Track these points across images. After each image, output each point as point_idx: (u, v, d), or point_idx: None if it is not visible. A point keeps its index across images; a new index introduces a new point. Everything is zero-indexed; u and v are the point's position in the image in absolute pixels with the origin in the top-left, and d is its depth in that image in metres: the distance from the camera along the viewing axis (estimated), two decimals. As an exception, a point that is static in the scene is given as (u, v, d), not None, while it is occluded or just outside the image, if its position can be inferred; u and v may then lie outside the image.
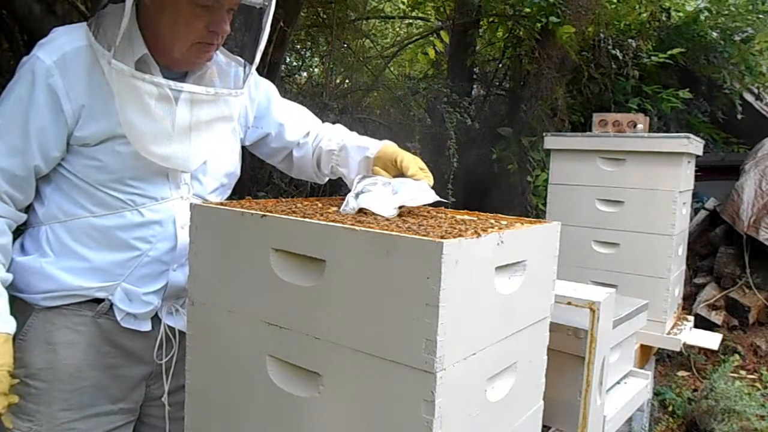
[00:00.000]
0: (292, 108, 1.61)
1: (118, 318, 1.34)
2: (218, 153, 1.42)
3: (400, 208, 1.17)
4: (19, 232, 1.37)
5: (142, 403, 1.45)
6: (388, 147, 1.46)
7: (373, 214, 1.14)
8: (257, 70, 1.44)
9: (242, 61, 1.42)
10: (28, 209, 1.36)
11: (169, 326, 1.41)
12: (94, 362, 1.34)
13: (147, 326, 1.39)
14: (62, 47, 1.25)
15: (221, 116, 1.37)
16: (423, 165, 1.41)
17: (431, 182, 1.38)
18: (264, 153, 1.62)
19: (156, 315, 1.40)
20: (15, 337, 1.27)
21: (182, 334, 1.40)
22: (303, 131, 1.58)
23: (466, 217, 1.21)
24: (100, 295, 1.33)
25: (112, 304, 1.34)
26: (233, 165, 1.49)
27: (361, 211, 1.16)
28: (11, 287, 1.31)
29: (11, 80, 1.28)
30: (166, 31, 1.26)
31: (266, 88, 1.57)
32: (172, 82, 1.26)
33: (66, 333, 1.32)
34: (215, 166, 1.43)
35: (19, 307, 1.32)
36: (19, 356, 1.27)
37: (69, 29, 1.30)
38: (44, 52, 1.24)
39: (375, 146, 1.47)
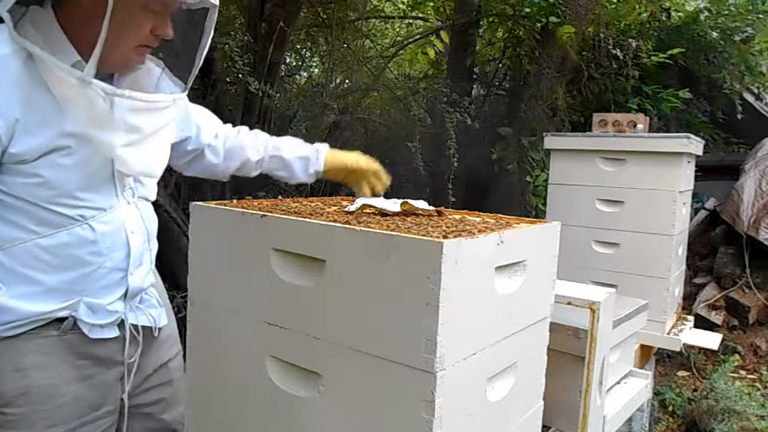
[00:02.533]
0: (201, 110, 1.60)
1: (86, 331, 1.31)
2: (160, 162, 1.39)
3: (402, 204, 1.17)
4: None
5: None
6: (334, 158, 1.62)
7: (377, 208, 1.15)
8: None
9: (179, 63, 1.37)
10: None
11: (132, 325, 1.40)
12: (69, 377, 1.30)
13: (114, 332, 1.37)
14: None
15: (170, 120, 1.34)
16: (376, 167, 1.59)
17: (386, 185, 1.58)
18: (175, 155, 1.53)
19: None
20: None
21: (145, 328, 1.43)
22: (213, 132, 1.59)
23: (466, 217, 1.21)
24: (63, 314, 1.28)
25: (76, 320, 1.29)
26: (165, 166, 1.44)
27: (365, 207, 1.17)
28: None
29: None
30: (110, 35, 1.14)
31: None
32: (142, 95, 1.21)
33: (35, 357, 1.26)
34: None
35: None
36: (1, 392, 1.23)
37: None
38: None
39: (317, 158, 1.63)
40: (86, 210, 1.26)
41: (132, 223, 1.35)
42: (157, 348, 1.49)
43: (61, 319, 1.28)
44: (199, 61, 1.33)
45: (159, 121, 1.28)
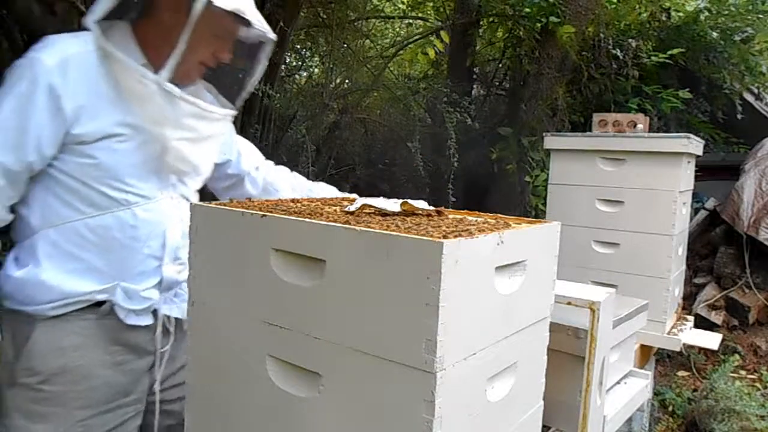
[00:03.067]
0: (245, 141, 1.79)
1: (121, 316, 1.42)
2: (208, 165, 1.60)
3: (402, 204, 1.17)
4: (6, 246, 1.43)
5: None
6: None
7: (377, 208, 1.15)
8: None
9: (232, 86, 1.58)
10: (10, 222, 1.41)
11: (165, 315, 1.51)
12: (103, 362, 1.41)
13: (149, 320, 1.48)
14: (65, 50, 1.33)
15: (220, 132, 1.55)
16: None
17: None
18: (215, 176, 1.72)
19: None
20: (20, 348, 1.35)
21: (178, 320, 1.53)
22: (255, 163, 1.77)
23: (466, 217, 1.21)
24: (101, 297, 1.40)
25: (113, 305, 1.41)
26: (209, 172, 1.65)
27: (365, 207, 1.17)
28: (12, 301, 1.38)
29: (5, 81, 1.35)
30: (179, 49, 1.34)
31: None
32: (203, 104, 1.42)
33: (73, 338, 1.38)
34: (203, 173, 1.61)
35: (23, 319, 1.37)
36: (29, 365, 1.35)
37: (68, 35, 1.39)
38: (46, 54, 1.33)
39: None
40: (131, 196, 1.40)
41: (171, 216, 1.47)
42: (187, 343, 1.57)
43: (99, 304, 1.40)
44: (250, 87, 1.56)
45: (210, 129, 1.48)
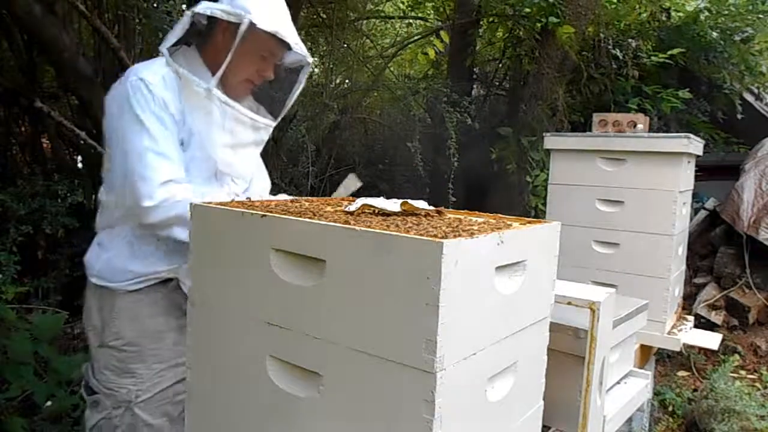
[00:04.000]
0: (261, 167, 1.96)
1: (185, 290, 1.62)
2: (257, 168, 1.88)
3: (402, 204, 1.17)
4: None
5: None
6: None
7: (377, 208, 1.15)
8: None
9: (276, 100, 1.84)
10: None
11: None
12: (171, 326, 1.69)
13: None
14: (157, 71, 1.60)
15: (261, 140, 1.78)
16: None
17: None
18: None
19: None
20: (107, 316, 1.68)
21: None
22: (257, 191, 1.93)
23: (466, 217, 1.21)
24: (170, 275, 1.67)
25: (178, 282, 1.67)
26: (249, 175, 1.90)
27: (365, 207, 1.16)
28: (99, 279, 1.68)
29: (112, 107, 1.62)
30: (229, 66, 1.60)
31: None
32: (251, 113, 1.66)
33: (148, 308, 1.67)
34: (255, 176, 1.89)
35: (108, 293, 1.67)
36: (114, 331, 1.66)
37: (148, 64, 1.65)
38: (146, 73, 1.59)
39: None
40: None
41: None
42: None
43: (168, 281, 1.68)
44: (290, 103, 1.81)
45: (253, 136, 1.72)
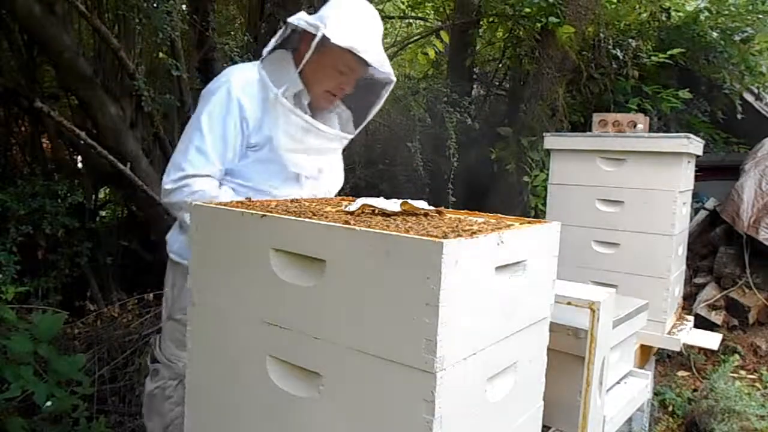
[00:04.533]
0: (337, 172, 2.01)
1: None
2: (328, 170, 1.91)
3: (402, 204, 1.17)
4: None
5: None
6: None
7: (377, 208, 1.15)
8: None
9: (358, 111, 1.90)
10: None
11: None
12: None
13: None
14: (246, 78, 1.71)
15: (333, 148, 1.83)
16: None
17: None
18: None
19: None
20: (178, 291, 1.82)
21: None
22: (327, 190, 1.99)
23: (466, 217, 1.21)
24: None
25: None
26: (336, 178, 2.00)
27: (365, 207, 1.16)
28: (177, 256, 1.83)
29: (202, 98, 1.74)
30: (310, 78, 1.72)
31: None
32: (312, 120, 1.70)
33: None
34: (326, 177, 1.92)
35: (182, 270, 1.79)
36: (182, 306, 1.77)
37: (246, 66, 1.77)
38: (236, 76, 1.71)
39: None
40: (275, 191, 1.75)
41: None
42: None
43: None
44: (369, 118, 1.87)
45: (327, 144, 1.77)
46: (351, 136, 1.85)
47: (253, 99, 1.70)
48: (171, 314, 1.89)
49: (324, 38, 1.60)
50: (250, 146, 1.74)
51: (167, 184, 1.70)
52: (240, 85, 1.70)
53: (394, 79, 1.78)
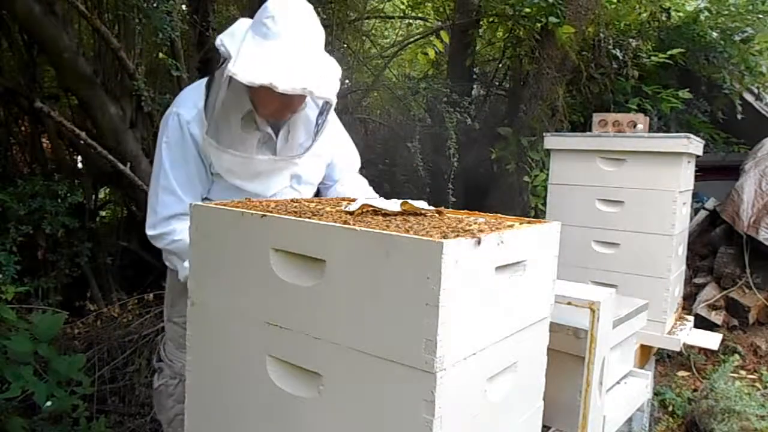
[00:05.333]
0: (347, 152, 2.04)
1: None
2: (313, 167, 1.85)
3: (402, 204, 1.17)
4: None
5: None
6: None
7: (377, 208, 1.15)
8: None
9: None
10: None
11: None
12: None
13: None
14: (194, 105, 1.65)
15: (316, 153, 1.79)
16: None
17: None
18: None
19: None
20: (175, 295, 1.83)
21: None
22: (340, 176, 2.01)
23: (466, 217, 1.21)
24: None
25: None
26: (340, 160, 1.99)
27: (365, 207, 1.16)
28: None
29: (162, 128, 1.70)
30: (254, 100, 1.65)
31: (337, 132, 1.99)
32: (240, 154, 1.64)
33: None
34: (315, 172, 1.88)
35: (176, 275, 1.77)
36: (179, 309, 1.79)
37: (196, 89, 1.70)
38: (184, 107, 1.66)
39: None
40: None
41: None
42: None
43: None
44: (318, 138, 1.75)
45: (268, 166, 1.71)
46: (296, 157, 1.75)
47: (203, 128, 1.64)
48: (170, 316, 1.92)
49: (229, 79, 1.49)
50: (214, 173, 1.71)
51: (148, 230, 1.70)
52: (189, 115, 1.64)
53: (334, 101, 1.62)
